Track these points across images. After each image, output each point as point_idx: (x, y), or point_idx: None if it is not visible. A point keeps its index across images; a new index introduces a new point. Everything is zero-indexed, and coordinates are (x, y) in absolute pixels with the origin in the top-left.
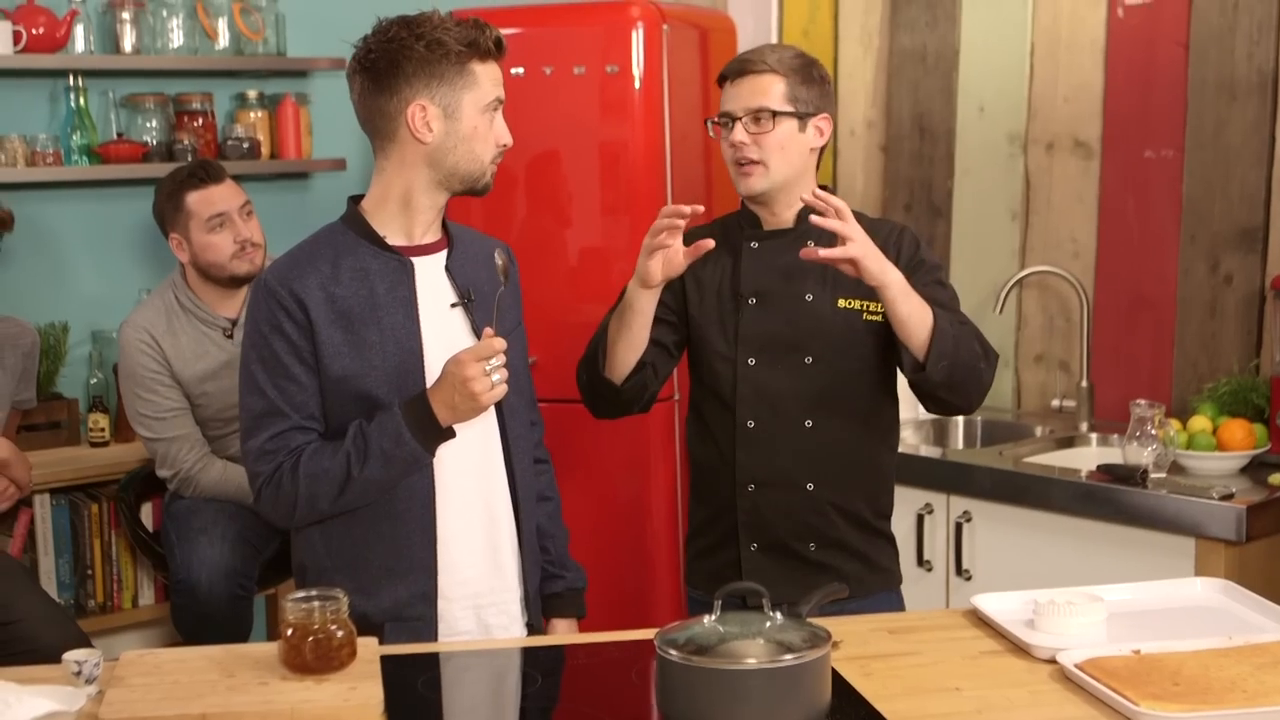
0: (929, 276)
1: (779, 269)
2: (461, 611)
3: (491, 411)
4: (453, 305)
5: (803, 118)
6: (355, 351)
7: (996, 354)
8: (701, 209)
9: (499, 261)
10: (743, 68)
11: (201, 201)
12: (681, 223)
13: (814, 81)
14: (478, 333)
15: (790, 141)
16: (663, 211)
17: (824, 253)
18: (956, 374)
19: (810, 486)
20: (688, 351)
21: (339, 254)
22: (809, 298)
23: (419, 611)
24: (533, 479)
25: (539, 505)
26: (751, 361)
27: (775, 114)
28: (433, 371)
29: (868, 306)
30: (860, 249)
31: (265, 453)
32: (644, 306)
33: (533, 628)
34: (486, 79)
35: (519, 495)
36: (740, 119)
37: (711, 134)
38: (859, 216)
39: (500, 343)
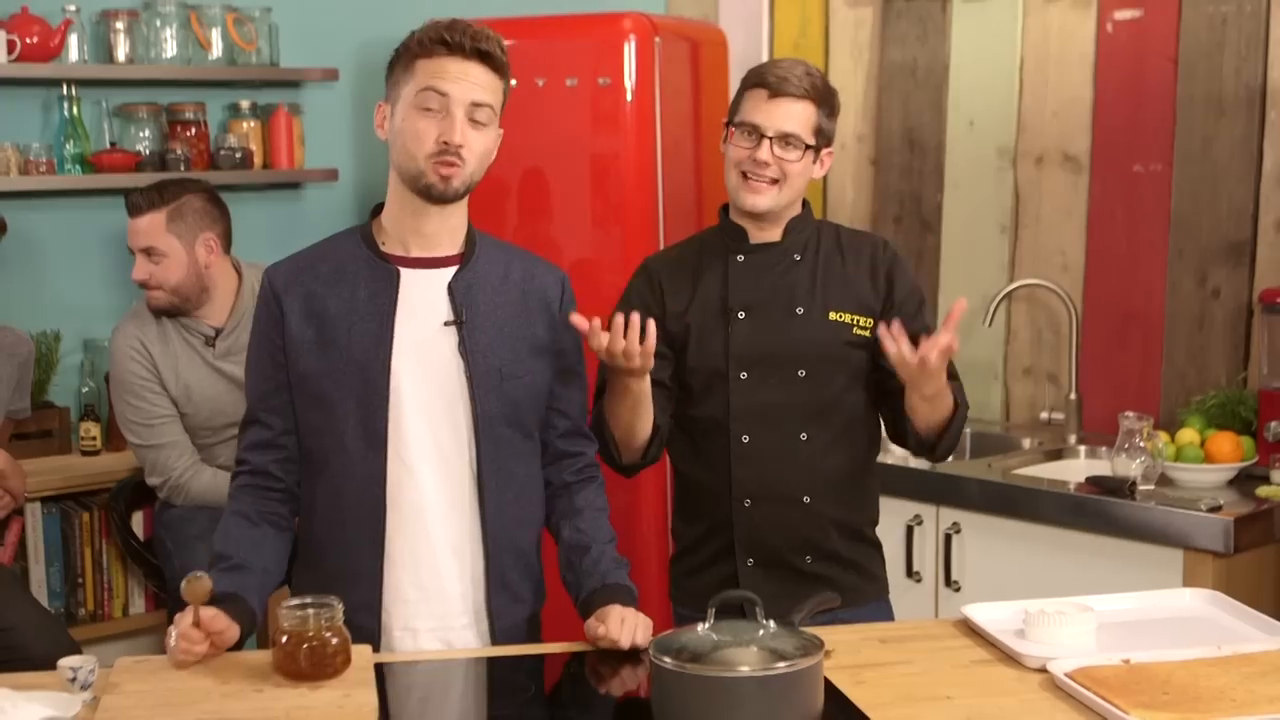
0: (919, 323)
1: (768, 282)
2: (400, 631)
3: (465, 447)
4: (445, 323)
5: (818, 150)
6: (321, 352)
7: (968, 405)
8: None
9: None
10: (782, 88)
11: (128, 229)
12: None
13: (834, 114)
14: (467, 356)
15: (806, 170)
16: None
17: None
18: (951, 450)
19: (807, 499)
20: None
21: (335, 256)
22: (800, 310)
23: (362, 620)
24: (519, 514)
25: (587, 515)
26: (744, 376)
27: (806, 146)
28: (400, 386)
29: (858, 321)
30: (934, 363)
31: (239, 436)
32: (638, 388)
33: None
34: (425, 72)
35: (489, 530)
36: (770, 137)
37: (725, 138)
38: (842, 230)
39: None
